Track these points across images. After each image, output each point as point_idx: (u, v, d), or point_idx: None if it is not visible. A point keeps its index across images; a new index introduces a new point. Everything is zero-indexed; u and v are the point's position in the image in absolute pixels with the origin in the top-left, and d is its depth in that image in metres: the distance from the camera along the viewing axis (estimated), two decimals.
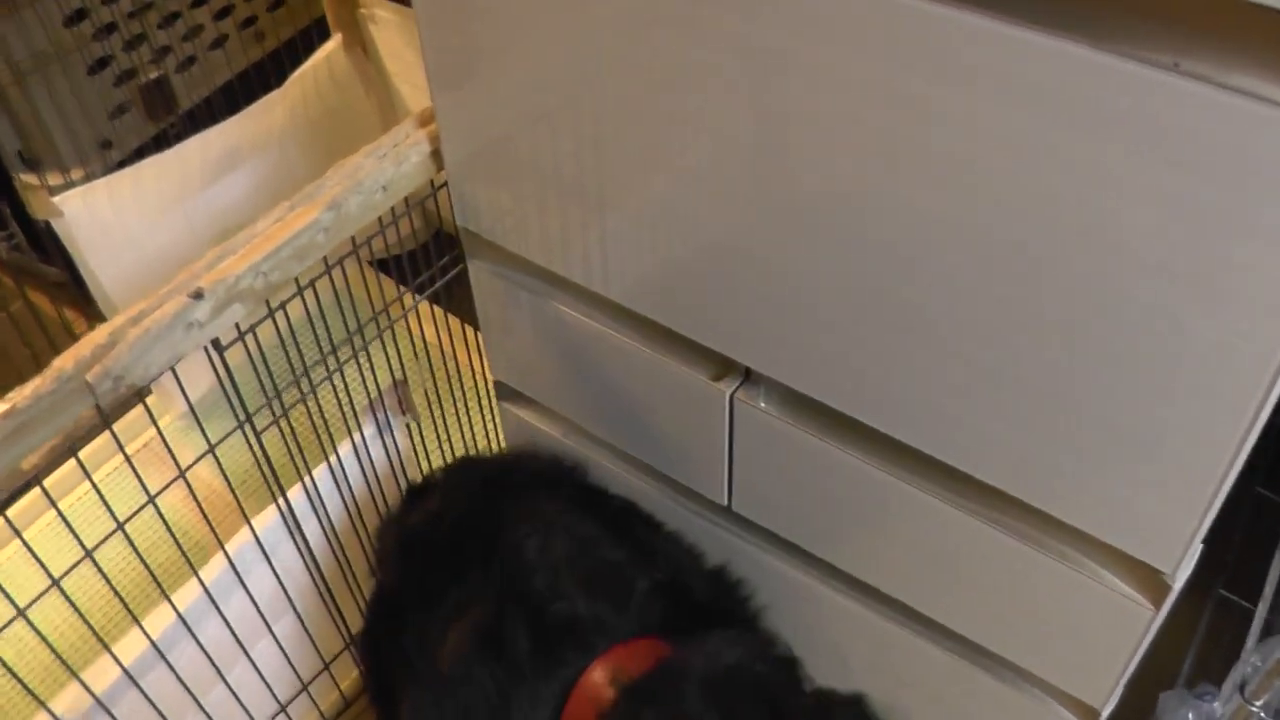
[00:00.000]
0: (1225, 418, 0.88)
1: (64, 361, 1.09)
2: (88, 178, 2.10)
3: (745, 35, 0.94)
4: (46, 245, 2.16)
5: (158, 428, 1.22)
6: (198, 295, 1.14)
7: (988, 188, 0.88)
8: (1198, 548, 1.00)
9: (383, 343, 1.45)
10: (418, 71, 2.20)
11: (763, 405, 1.23)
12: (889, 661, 1.39)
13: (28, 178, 2.03)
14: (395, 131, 1.29)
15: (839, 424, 1.19)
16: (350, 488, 1.50)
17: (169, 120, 2.21)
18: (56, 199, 1.84)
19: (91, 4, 2.05)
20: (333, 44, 2.20)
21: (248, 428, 1.29)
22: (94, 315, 2.14)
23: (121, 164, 2.14)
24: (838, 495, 1.24)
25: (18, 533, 1.13)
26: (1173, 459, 0.93)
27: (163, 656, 1.34)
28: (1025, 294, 0.93)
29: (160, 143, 2.15)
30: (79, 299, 2.13)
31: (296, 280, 1.23)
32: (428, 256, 1.46)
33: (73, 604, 1.22)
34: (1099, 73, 0.77)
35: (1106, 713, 1.20)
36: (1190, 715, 1.49)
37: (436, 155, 1.29)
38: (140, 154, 2.13)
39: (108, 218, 1.93)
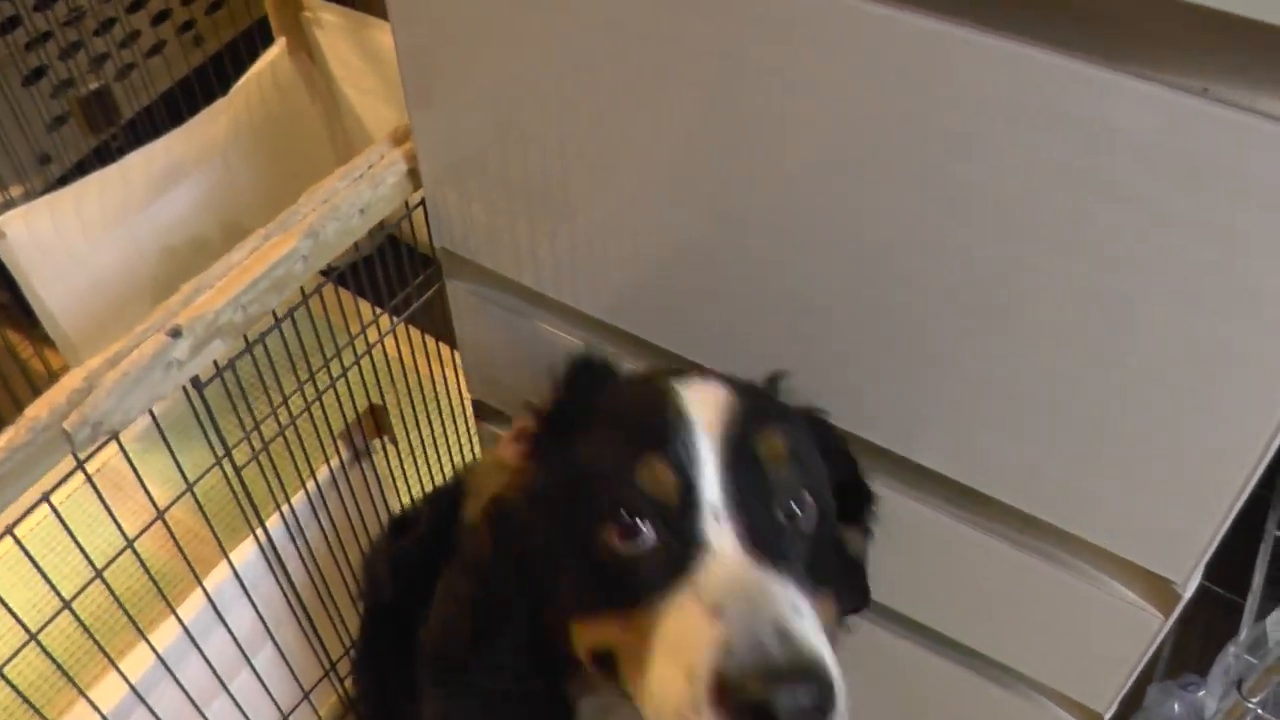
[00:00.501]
0: (1246, 433, 0.88)
1: (38, 410, 1.04)
2: (27, 195, 2.03)
3: (721, 44, 0.92)
4: None
5: (133, 467, 1.18)
6: (175, 333, 1.09)
7: (1004, 208, 0.88)
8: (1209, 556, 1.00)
9: (359, 368, 1.41)
10: (365, 77, 2.15)
11: None
12: (890, 672, 1.38)
13: None
14: (369, 152, 1.25)
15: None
16: (329, 514, 1.46)
17: (109, 132, 2.14)
18: None
19: (24, 11, 1.97)
20: (276, 49, 2.13)
21: (226, 463, 1.25)
22: (39, 338, 2.07)
23: (62, 179, 2.08)
24: None
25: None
26: (1192, 473, 0.93)
27: (142, 700, 1.29)
28: (1043, 311, 0.92)
29: (102, 156, 2.07)
30: (23, 322, 2.05)
31: (274, 312, 1.19)
32: (399, 273, 1.42)
33: (50, 655, 1.17)
34: (1131, 97, 0.76)
35: (1108, 716, 1.21)
36: (1176, 707, 1.51)
37: (413, 174, 1.26)
38: (81, 168, 2.05)
39: (50, 238, 1.86)
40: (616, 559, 0.79)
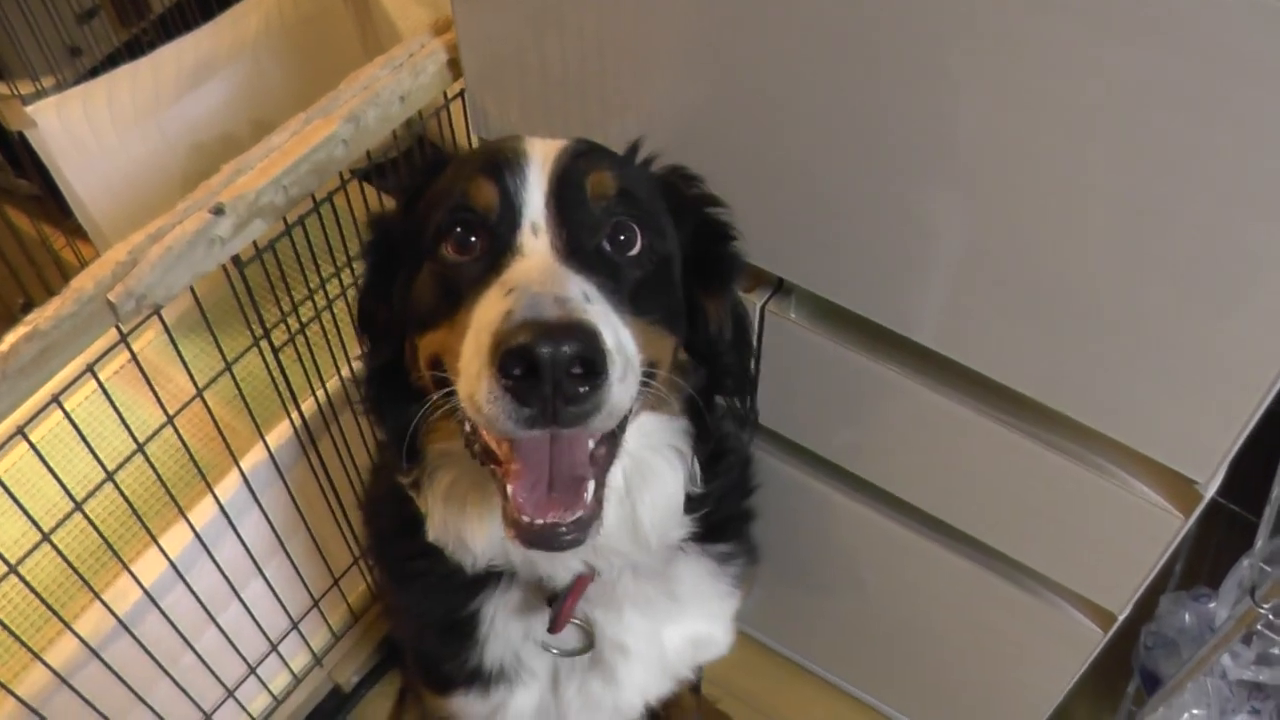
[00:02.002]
0: (1277, 332, 0.89)
1: (83, 281, 1.06)
2: (59, 86, 2.02)
3: None
4: (20, 159, 2.09)
5: (175, 343, 1.20)
6: (218, 210, 1.10)
7: (1063, 110, 0.88)
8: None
9: None
10: None
11: (793, 316, 1.23)
12: (904, 569, 1.41)
13: None
14: (410, 41, 1.25)
15: (870, 336, 1.19)
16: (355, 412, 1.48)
17: (140, 26, 2.12)
18: (30, 109, 1.77)
19: None
20: None
21: (265, 344, 1.27)
22: (70, 228, 2.08)
23: (93, 71, 2.07)
24: (865, 406, 1.25)
25: (42, 459, 1.11)
26: (1222, 370, 0.94)
27: (181, 577, 1.33)
28: (1079, 205, 0.93)
29: (132, 49, 2.06)
30: (54, 211, 2.06)
31: (313, 195, 1.20)
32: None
33: (94, 526, 1.20)
34: None
35: (1123, 618, 1.23)
36: (1188, 616, 1.54)
37: (453, 64, 1.26)
38: (111, 61, 2.04)
39: (81, 128, 1.86)
40: (449, 269, 0.88)
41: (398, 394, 0.95)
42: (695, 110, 1.10)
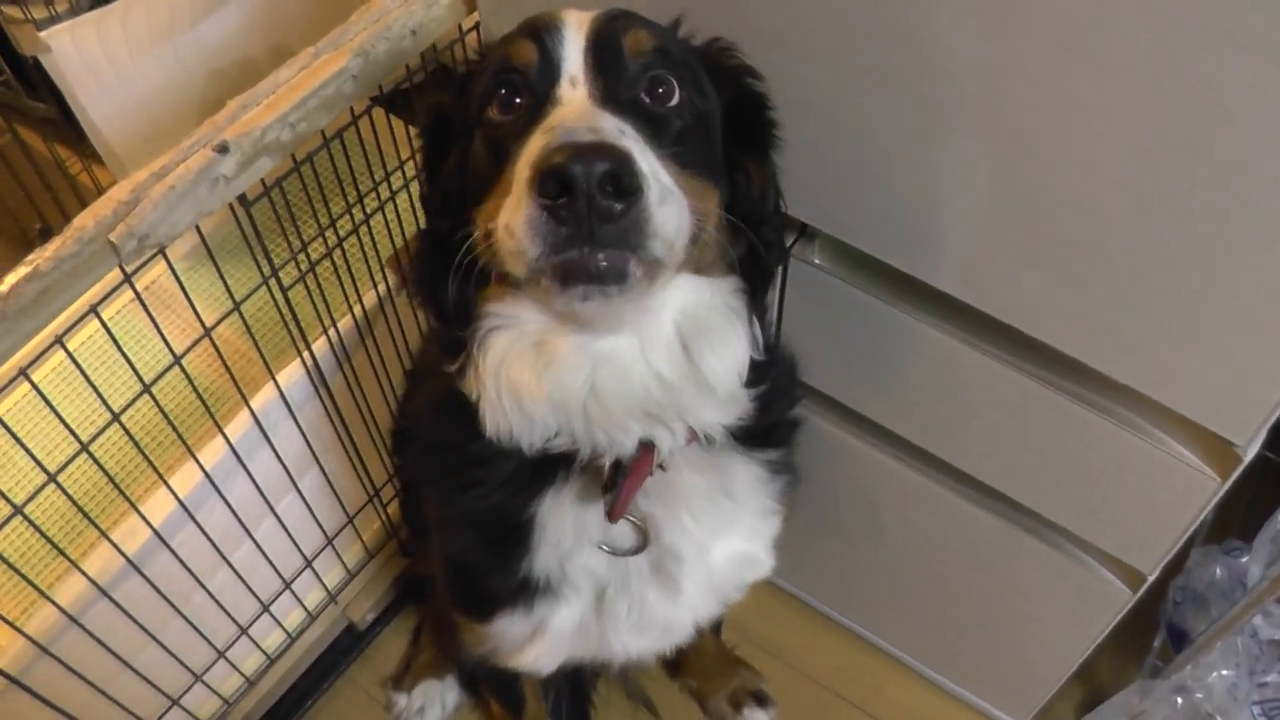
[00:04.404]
0: None
1: (84, 220, 1.02)
2: (73, 10, 1.98)
3: None
4: (34, 80, 2.05)
5: (180, 283, 1.17)
6: (223, 149, 1.06)
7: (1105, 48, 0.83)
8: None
9: (408, 192, 1.38)
10: None
11: (816, 261, 1.18)
12: (927, 521, 1.38)
13: (10, 9, 1.90)
14: None
15: (896, 283, 1.15)
16: (375, 341, 1.46)
17: None
18: (44, 34, 1.73)
19: None
20: None
21: (274, 283, 1.23)
22: (86, 152, 2.05)
23: None
24: (890, 356, 1.21)
25: (47, 400, 1.09)
26: (1265, 329, 0.89)
27: (191, 516, 1.31)
28: (1113, 142, 0.88)
29: None
30: (70, 135, 2.03)
31: (323, 132, 1.16)
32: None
33: (102, 466, 1.18)
34: None
35: (1153, 578, 1.20)
36: (1219, 570, 1.50)
37: None
38: None
39: (96, 54, 1.82)
40: (496, 130, 0.90)
41: (450, 268, 0.93)
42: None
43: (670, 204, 0.80)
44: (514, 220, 0.79)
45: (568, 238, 0.77)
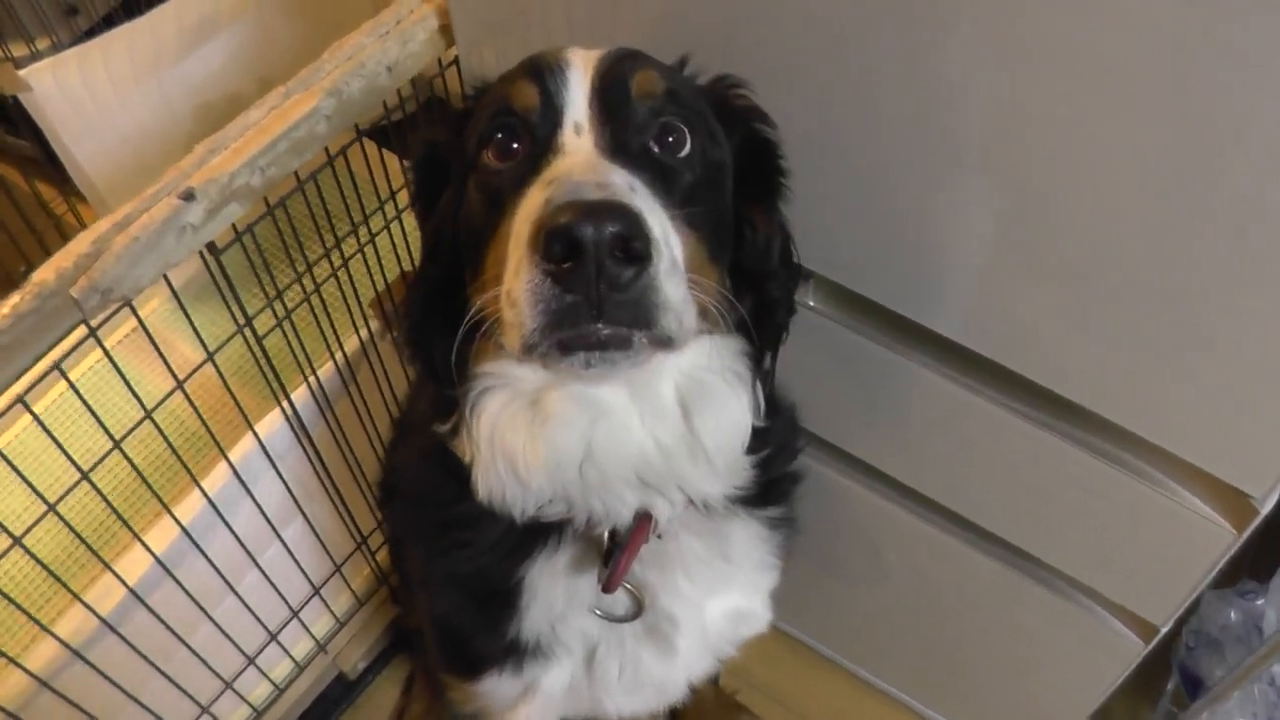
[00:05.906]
0: None
1: (45, 274, 0.98)
2: (54, 48, 1.95)
3: None
4: (15, 118, 2.02)
5: (150, 338, 1.13)
6: (189, 196, 1.02)
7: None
8: None
9: (389, 232, 1.34)
10: None
11: (811, 303, 1.14)
12: (931, 567, 1.33)
13: None
14: (398, 5, 1.16)
15: (895, 326, 1.10)
16: (359, 387, 1.41)
17: None
18: (23, 72, 1.69)
19: None
20: None
21: (248, 331, 1.19)
22: (70, 191, 2.01)
23: (89, 33, 1.99)
24: (891, 400, 1.16)
25: (13, 467, 1.04)
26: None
27: (169, 573, 1.27)
28: (1123, 185, 0.83)
29: (130, 9, 1.98)
30: (53, 174, 2.00)
31: (296, 174, 1.12)
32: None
33: (71, 527, 1.14)
34: None
35: (1165, 630, 1.15)
36: (1233, 614, 1.45)
37: (445, 30, 1.17)
38: (109, 22, 1.97)
39: (79, 92, 1.79)
40: (492, 177, 0.83)
41: (442, 321, 0.89)
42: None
43: (675, 277, 0.74)
44: (515, 288, 0.73)
45: (572, 307, 0.71)
